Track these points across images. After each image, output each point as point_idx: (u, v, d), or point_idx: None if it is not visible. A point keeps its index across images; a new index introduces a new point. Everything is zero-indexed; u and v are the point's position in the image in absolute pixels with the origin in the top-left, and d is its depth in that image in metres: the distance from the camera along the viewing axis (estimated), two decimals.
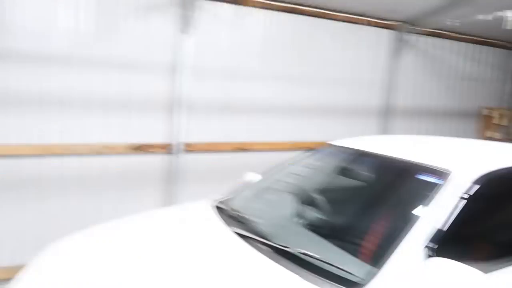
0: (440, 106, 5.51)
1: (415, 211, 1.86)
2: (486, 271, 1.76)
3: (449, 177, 1.96)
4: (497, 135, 5.91)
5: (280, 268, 1.78)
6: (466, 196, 1.88)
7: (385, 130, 5.03)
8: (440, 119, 5.53)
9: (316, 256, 1.79)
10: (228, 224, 2.25)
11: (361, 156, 2.54)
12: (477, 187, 1.92)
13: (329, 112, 4.68)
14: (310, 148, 3.12)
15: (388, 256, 1.69)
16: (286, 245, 1.90)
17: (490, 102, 6.04)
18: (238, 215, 2.36)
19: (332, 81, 4.62)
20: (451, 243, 1.82)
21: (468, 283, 1.53)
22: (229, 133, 4.11)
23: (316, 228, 2.20)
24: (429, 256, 1.68)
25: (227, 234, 2.15)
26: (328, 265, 1.75)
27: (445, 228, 1.77)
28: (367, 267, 1.72)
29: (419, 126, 5.31)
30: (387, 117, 5.02)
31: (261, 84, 4.20)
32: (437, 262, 1.60)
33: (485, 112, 5.99)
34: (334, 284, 1.65)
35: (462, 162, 2.08)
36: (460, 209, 1.85)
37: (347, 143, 2.75)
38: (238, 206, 2.52)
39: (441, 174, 2.01)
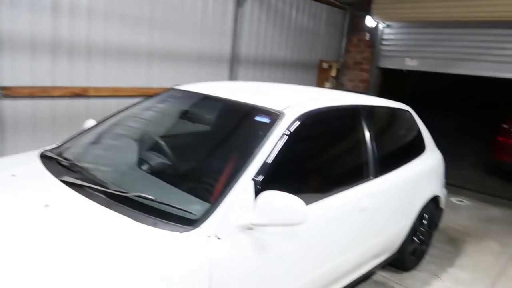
0: (283, 57, 5.88)
1: (248, 150, 1.96)
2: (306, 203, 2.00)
3: (279, 118, 2.11)
4: (329, 85, 6.68)
5: (111, 213, 1.69)
6: (288, 132, 2.05)
7: (233, 78, 5.15)
8: (283, 70, 5.93)
9: (151, 197, 1.75)
10: (56, 173, 2.03)
11: (202, 99, 2.53)
12: (298, 123, 2.11)
13: (180, 58, 4.53)
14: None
15: (225, 194, 1.75)
16: (121, 190, 1.82)
17: (327, 56, 6.71)
18: (70, 163, 2.15)
19: (183, 26, 4.45)
20: (277, 176, 1.99)
21: (293, 211, 1.70)
22: (65, 76, 3.63)
23: (156, 172, 2.15)
24: (259, 189, 1.81)
25: (53, 184, 1.94)
26: (164, 206, 1.73)
27: (271, 163, 1.91)
28: (205, 205, 1.76)
29: (264, 75, 5.61)
30: (234, 65, 5.13)
31: (105, 23, 3.77)
32: (266, 194, 1.72)
33: (324, 65, 6.65)
34: (170, 223, 1.65)
35: (289, 104, 2.24)
36: (283, 144, 2.01)
37: (189, 88, 2.71)
38: (71, 154, 2.30)
39: (272, 115, 2.15)
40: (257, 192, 1.80)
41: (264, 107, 2.23)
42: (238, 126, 2.32)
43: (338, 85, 6.84)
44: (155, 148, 2.31)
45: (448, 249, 3.77)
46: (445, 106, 11.16)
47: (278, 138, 2.00)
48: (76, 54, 3.65)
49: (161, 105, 2.67)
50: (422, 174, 3.07)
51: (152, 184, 2.07)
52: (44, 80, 3.51)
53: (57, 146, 2.50)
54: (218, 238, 1.66)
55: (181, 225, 1.65)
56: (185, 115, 2.51)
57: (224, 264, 1.65)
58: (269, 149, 1.94)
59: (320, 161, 2.34)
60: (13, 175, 2.06)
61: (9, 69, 3.29)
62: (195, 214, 1.71)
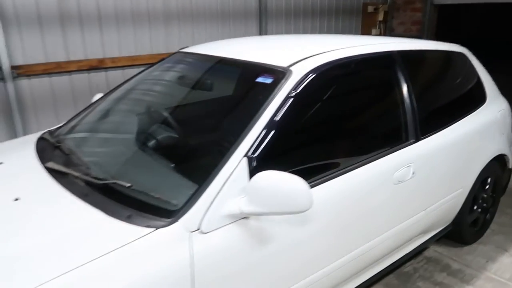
0: (319, 3, 5.23)
1: (244, 121, 1.60)
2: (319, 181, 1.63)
3: (285, 76, 1.71)
4: (377, 31, 5.92)
5: (83, 208, 1.45)
6: (294, 94, 1.65)
7: (262, 33, 4.68)
8: (321, 19, 5.30)
9: (127, 184, 1.48)
10: (43, 159, 1.84)
11: (204, 61, 2.18)
12: (308, 82, 1.70)
13: (200, 17, 4.15)
14: None
15: (211, 177, 1.43)
16: (98, 178, 1.57)
17: None
18: (62, 146, 1.95)
19: None
20: (280, 151, 1.62)
21: (295, 196, 1.34)
22: (79, 49, 3.44)
23: (150, 150, 1.87)
24: (256, 169, 1.46)
25: (37, 172, 1.74)
26: (142, 194, 1.46)
27: (272, 135, 1.55)
28: (189, 191, 1.44)
29: (298, 27, 5.05)
30: (263, 18, 4.63)
31: None
32: (261, 175, 1.38)
33: (369, 8, 5.89)
34: (146, 215, 1.38)
35: (299, 58, 1.82)
36: (288, 110, 1.63)
37: (196, 49, 2.36)
38: (66, 135, 2.10)
39: (276, 73, 1.75)
40: (254, 173, 1.46)
41: (268, 64, 1.83)
42: (237, 90, 1.95)
43: (388, 31, 6.06)
44: (151, 122, 2.03)
45: None
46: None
47: (281, 102, 1.62)
48: (87, 24, 3.43)
49: (163, 73, 2.36)
50: (482, 130, 2.50)
51: (142, 165, 1.80)
52: (57, 56, 3.35)
53: (59, 126, 2.33)
54: (203, 233, 1.36)
55: (158, 218, 1.36)
56: (183, 81, 2.18)
57: (212, 265, 1.36)
58: (268, 117, 1.57)
59: (338, 127, 1.89)
60: (1, 163, 1.91)
61: (19, 48, 3.16)
62: (175, 204, 1.41)
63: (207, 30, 4.22)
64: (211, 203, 1.38)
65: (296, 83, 1.69)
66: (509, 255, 2.69)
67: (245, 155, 1.48)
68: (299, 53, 1.87)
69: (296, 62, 1.78)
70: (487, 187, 2.73)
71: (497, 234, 2.92)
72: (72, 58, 3.42)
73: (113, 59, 3.61)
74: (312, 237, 1.63)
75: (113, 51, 3.64)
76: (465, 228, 2.64)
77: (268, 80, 1.74)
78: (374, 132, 1.95)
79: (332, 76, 1.81)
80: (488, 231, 2.94)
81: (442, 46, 2.52)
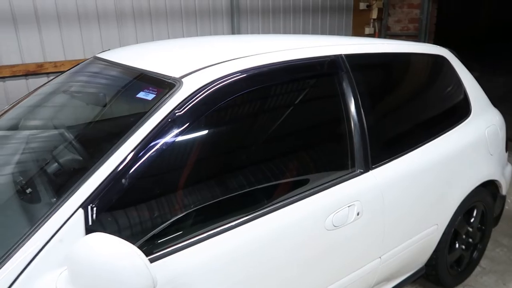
0: (303, 0, 4.76)
1: (96, 154, 1.17)
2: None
3: (171, 89, 1.27)
4: (370, 30, 5.41)
5: None
6: (181, 113, 1.22)
7: (235, 32, 4.24)
8: (305, 17, 4.82)
9: None
10: None
11: (108, 70, 1.75)
12: (202, 98, 1.26)
13: (160, 16, 3.74)
14: None
15: (25, 238, 1.00)
16: None
17: None
18: None
19: None
20: (150, 195, 1.19)
21: (125, 274, 0.90)
22: (14, 52, 3.07)
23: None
24: (91, 226, 1.03)
25: None
26: None
27: (135, 172, 1.12)
28: None
29: (277, 26, 4.58)
30: (235, 16, 4.19)
31: None
32: (86, 241, 0.94)
33: (361, 5, 5.39)
34: None
35: (201, 66, 1.38)
36: (170, 137, 1.19)
37: (109, 54, 1.93)
38: None
39: (162, 85, 1.32)
40: (95, 230, 1.04)
41: (157, 73, 1.40)
42: (118, 106, 1.51)
43: (383, 30, 5.54)
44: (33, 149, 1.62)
45: None
46: None
47: (155, 127, 1.18)
48: (23, 23, 3.05)
49: (65, 81, 1.94)
50: (462, 151, 2.01)
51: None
52: None
53: None
54: None
55: None
56: (76, 94, 1.75)
57: None
58: (130, 148, 1.13)
59: (243, 159, 1.40)
60: None
61: None
62: None
63: (169, 29, 3.80)
64: (14, 280, 0.95)
65: (185, 99, 1.25)
66: None
67: (83, 204, 1.04)
68: (205, 59, 1.43)
69: (193, 72, 1.34)
70: (473, 219, 2.23)
71: (487, 274, 2.41)
72: (5, 62, 3.04)
73: (55, 64, 3.22)
74: None
75: (56, 55, 3.25)
76: (443, 270, 2.15)
77: (149, 95, 1.31)
78: (300, 163, 1.47)
79: (242, 89, 1.35)
80: (478, 269, 2.44)
81: (415, 48, 2.03)
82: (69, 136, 1.46)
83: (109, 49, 2.16)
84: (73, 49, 3.31)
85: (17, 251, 0.97)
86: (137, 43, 3.62)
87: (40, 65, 3.16)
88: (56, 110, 1.71)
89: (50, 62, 3.20)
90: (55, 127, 1.62)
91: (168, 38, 3.79)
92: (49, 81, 2.06)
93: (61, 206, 1.03)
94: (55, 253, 0.99)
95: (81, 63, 2.06)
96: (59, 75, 2.08)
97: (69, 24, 3.25)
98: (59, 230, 1.01)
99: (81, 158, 1.26)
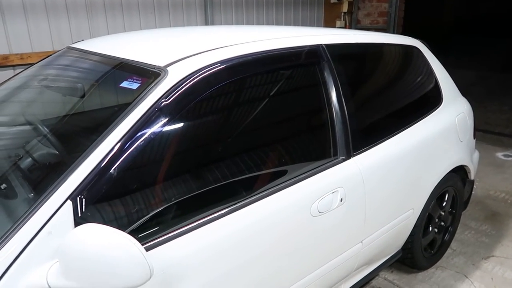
0: None
1: (81, 145, 1.14)
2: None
3: (155, 79, 1.26)
4: (341, 23, 5.50)
5: None
6: (166, 103, 1.21)
7: (209, 23, 4.21)
8: (277, 9, 4.85)
9: None
10: None
11: (84, 59, 1.70)
12: (187, 88, 1.26)
13: (131, 7, 3.66)
14: None
15: (12, 231, 0.97)
16: None
17: None
18: None
19: None
20: (137, 187, 1.17)
21: (120, 266, 0.89)
22: None
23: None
24: (80, 217, 1.01)
25: None
26: None
27: (122, 164, 1.10)
28: None
29: (250, 18, 4.58)
30: (210, 8, 4.16)
31: None
32: (79, 231, 0.93)
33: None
34: None
35: (185, 55, 1.37)
36: (154, 127, 1.18)
37: (85, 44, 1.87)
38: None
39: (146, 74, 1.30)
40: (84, 221, 1.02)
41: (140, 62, 1.38)
42: (100, 96, 1.48)
43: (353, 23, 5.65)
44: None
45: (486, 230, 2.81)
46: (494, 34, 9.48)
47: (142, 116, 1.17)
48: None
49: (37, 73, 1.87)
50: (436, 139, 2.09)
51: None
52: None
53: None
54: None
55: None
56: (52, 85, 1.70)
57: None
58: (117, 138, 1.11)
59: (229, 148, 1.40)
60: None
61: None
62: None
63: (142, 21, 3.72)
64: (2, 274, 0.92)
65: (171, 88, 1.24)
66: (469, 282, 2.30)
67: (71, 196, 1.02)
68: (189, 48, 1.42)
69: (178, 61, 1.33)
70: (445, 203, 2.34)
71: (458, 256, 2.54)
72: None
73: (21, 56, 3.09)
74: None
75: (22, 46, 3.12)
76: (418, 253, 2.24)
77: (133, 84, 1.29)
78: (285, 152, 1.49)
79: (227, 78, 1.35)
80: (449, 251, 2.56)
81: (389, 38, 2.10)
82: (50, 128, 1.42)
83: (83, 40, 2.10)
84: (41, 41, 3.19)
85: (3, 245, 0.94)
86: (108, 34, 3.53)
87: (5, 57, 3.03)
88: (31, 104, 1.65)
89: (16, 54, 3.07)
90: (32, 122, 1.57)
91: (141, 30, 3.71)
92: (17, 74, 1.98)
93: (48, 198, 1.00)
94: (44, 246, 0.97)
95: (52, 54, 1.99)
96: (28, 67, 2.00)
97: (36, 14, 3.12)
98: (47, 222, 0.98)
99: (65, 150, 1.22)
